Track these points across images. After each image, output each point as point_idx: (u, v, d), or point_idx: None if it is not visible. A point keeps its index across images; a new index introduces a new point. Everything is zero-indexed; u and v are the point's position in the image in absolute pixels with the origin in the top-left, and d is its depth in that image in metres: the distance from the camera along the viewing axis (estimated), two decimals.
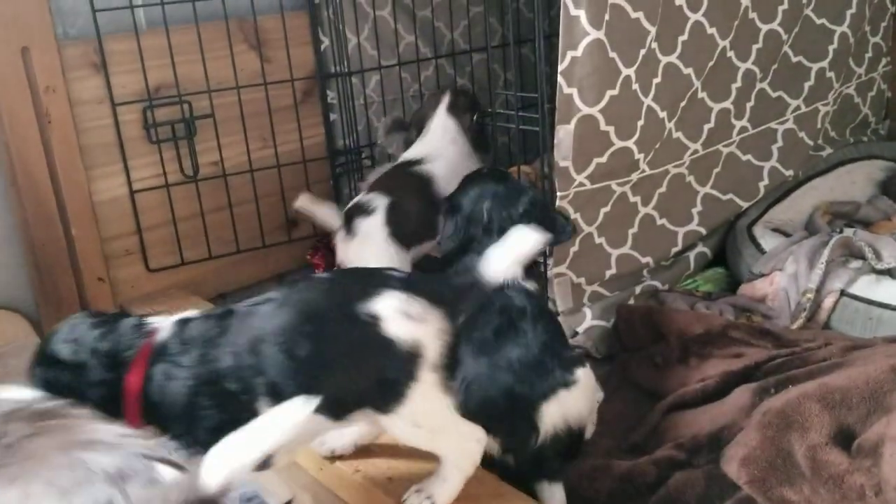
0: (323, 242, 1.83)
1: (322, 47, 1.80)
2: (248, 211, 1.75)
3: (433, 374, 0.87)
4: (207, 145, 1.67)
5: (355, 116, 1.83)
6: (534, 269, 1.15)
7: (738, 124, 1.55)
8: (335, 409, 0.86)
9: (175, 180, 1.65)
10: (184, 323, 0.89)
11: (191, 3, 1.58)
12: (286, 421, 0.72)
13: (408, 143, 1.57)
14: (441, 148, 1.49)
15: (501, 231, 1.08)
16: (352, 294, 0.86)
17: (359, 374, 0.85)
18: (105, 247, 1.58)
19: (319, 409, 0.79)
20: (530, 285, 1.10)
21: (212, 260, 1.72)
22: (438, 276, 0.93)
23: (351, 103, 1.81)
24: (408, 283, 0.88)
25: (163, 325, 0.89)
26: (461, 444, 0.93)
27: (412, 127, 1.57)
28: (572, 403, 1.03)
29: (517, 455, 1.04)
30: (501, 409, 1.01)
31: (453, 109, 1.53)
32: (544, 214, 1.16)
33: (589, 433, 1.14)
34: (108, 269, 1.59)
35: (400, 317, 0.85)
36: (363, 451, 1.11)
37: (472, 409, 0.99)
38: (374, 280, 0.89)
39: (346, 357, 0.84)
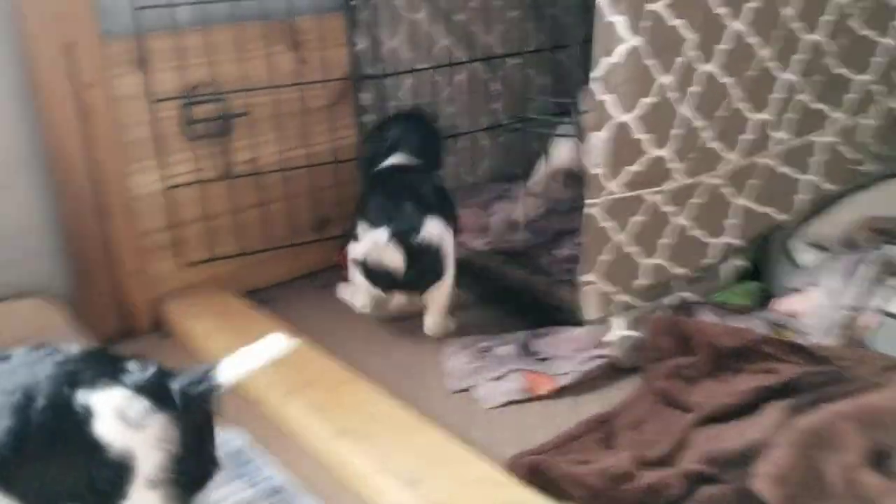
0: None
1: (357, 49, 1.82)
2: (280, 209, 1.77)
3: (150, 491, 0.78)
4: (242, 143, 1.70)
5: None
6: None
7: (775, 136, 1.52)
8: (39, 500, 0.78)
9: (210, 177, 1.67)
10: None
11: (230, 4, 1.60)
12: None
13: None
14: None
15: (404, 149, 1.57)
16: (78, 376, 0.79)
17: (58, 468, 0.77)
18: (140, 241, 1.61)
19: (26, 499, 0.77)
20: (402, 158, 1.55)
21: (243, 256, 1.74)
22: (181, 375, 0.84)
23: (384, 105, 1.82)
24: (141, 379, 0.80)
25: None
26: None
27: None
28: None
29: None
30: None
31: None
32: (431, 138, 1.60)
33: None
34: (142, 262, 1.62)
35: (113, 416, 0.77)
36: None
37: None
38: (108, 368, 0.81)
39: (47, 444, 0.77)
